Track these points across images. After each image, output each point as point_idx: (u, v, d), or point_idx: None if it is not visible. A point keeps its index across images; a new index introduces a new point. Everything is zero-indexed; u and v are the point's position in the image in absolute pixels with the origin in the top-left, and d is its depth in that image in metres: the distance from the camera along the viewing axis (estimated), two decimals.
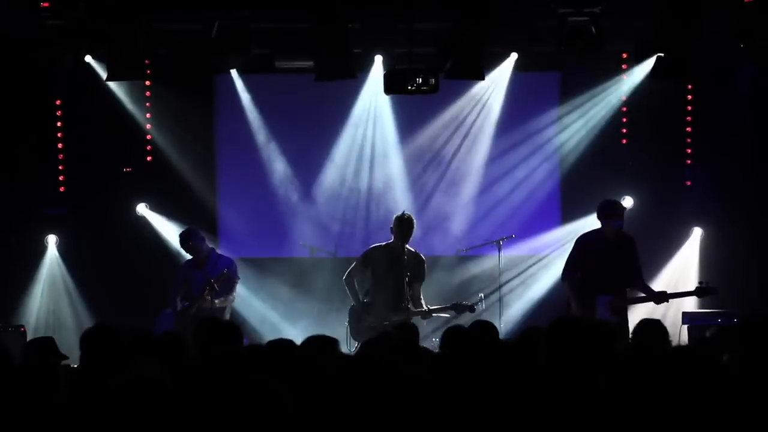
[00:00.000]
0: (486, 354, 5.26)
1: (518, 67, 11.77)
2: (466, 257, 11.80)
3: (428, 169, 12.15)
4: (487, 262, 11.65)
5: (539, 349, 5.04)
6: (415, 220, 9.82)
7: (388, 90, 10.93)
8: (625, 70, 11.86)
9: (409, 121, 12.04)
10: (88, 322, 10.95)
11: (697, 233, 12.05)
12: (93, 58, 11.35)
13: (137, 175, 12.07)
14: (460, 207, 12.10)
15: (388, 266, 9.67)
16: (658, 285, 10.71)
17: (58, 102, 11.97)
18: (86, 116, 11.86)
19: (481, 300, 10.61)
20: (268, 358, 5.25)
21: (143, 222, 11.89)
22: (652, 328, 5.91)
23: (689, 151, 12.21)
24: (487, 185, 12.14)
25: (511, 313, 11.53)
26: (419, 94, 10.71)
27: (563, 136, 12.12)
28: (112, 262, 11.76)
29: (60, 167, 12.03)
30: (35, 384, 4.74)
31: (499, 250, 11.22)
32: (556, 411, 4.61)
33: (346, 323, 9.85)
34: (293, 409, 4.45)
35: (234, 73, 11.82)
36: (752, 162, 12.01)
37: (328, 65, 10.72)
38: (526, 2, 10.92)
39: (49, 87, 11.90)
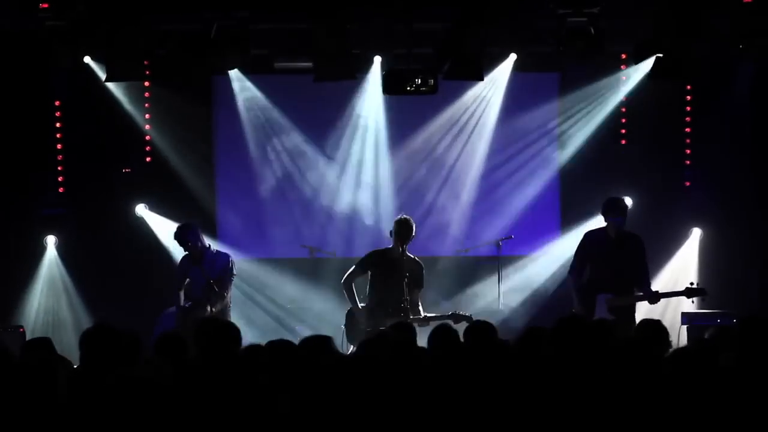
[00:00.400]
0: (483, 354, 5.27)
1: (517, 67, 11.77)
2: (465, 258, 11.79)
3: (427, 170, 12.14)
4: (487, 263, 11.64)
5: (543, 349, 5.05)
6: (414, 224, 9.75)
7: (387, 91, 10.93)
8: (624, 71, 11.87)
9: (408, 122, 12.04)
10: (87, 323, 10.94)
11: (696, 233, 12.05)
12: (92, 58, 11.35)
13: (136, 176, 12.07)
14: (460, 207, 12.10)
15: (386, 271, 9.62)
16: (657, 285, 10.70)
17: (57, 103, 11.97)
18: (85, 117, 11.86)
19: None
20: (267, 358, 5.25)
21: (142, 222, 11.89)
22: (652, 328, 5.91)
23: (689, 151, 12.21)
24: (487, 186, 12.14)
25: (510, 313, 11.52)
26: (418, 95, 10.71)
27: (562, 137, 12.13)
28: (111, 263, 11.76)
29: (59, 168, 12.02)
30: (34, 383, 4.74)
31: (499, 251, 11.22)
32: (558, 410, 4.61)
33: (343, 326, 9.82)
34: (292, 409, 4.45)
35: (233, 73, 11.82)
36: (751, 162, 12.02)
37: (327, 66, 10.72)
38: (525, 3, 10.91)
39: (49, 88, 11.90)
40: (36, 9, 10.17)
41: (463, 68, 10.86)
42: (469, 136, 12.07)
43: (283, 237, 12.05)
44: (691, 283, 9.85)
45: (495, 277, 11.37)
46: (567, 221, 11.94)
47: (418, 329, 9.47)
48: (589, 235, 9.73)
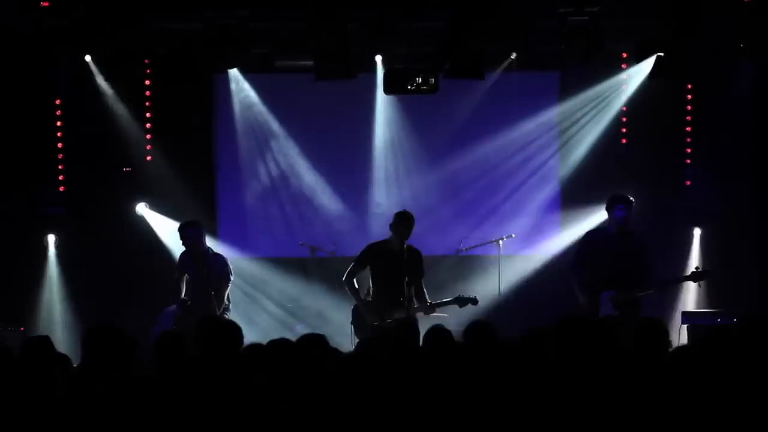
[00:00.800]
0: (484, 354, 5.27)
1: (518, 66, 11.77)
2: (466, 257, 11.79)
3: (428, 168, 12.14)
4: (487, 262, 11.64)
5: (545, 348, 5.04)
6: (414, 217, 9.78)
7: (387, 90, 10.92)
8: (625, 70, 11.87)
9: (408, 121, 12.04)
10: (86, 322, 10.94)
11: (697, 233, 12.05)
12: (93, 57, 11.35)
13: (137, 175, 12.07)
14: (460, 206, 12.10)
15: (386, 263, 9.62)
16: None
17: (58, 102, 11.97)
18: (86, 116, 11.85)
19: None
20: (268, 357, 5.25)
21: (143, 222, 11.89)
22: (652, 327, 5.90)
23: (689, 150, 12.21)
24: (487, 185, 12.14)
25: (510, 312, 11.52)
26: (419, 94, 10.70)
27: (563, 136, 12.12)
28: (111, 262, 11.76)
29: (60, 167, 12.02)
30: (33, 382, 4.74)
31: (499, 250, 11.21)
32: (559, 410, 4.61)
33: (351, 323, 9.82)
34: (291, 408, 4.45)
35: (234, 72, 11.82)
36: (752, 162, 12.01)
37: (327, 65, 10.72)
38: (526, 2, 10.92)
39: (49, 87, 11.90)
40: (37, 8, 10.18)
41: (463, 67, 10.86)
42: (470, 135, 12.06)
43: (284, 236, 12.05)
44: (696, 268, 9.88)
45: (495, 277, 11.37)
46: (568, 220, 11.94)
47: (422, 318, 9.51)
48: (591, 234, 9.73)
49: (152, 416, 4.32)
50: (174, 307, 10.00)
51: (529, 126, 12.07)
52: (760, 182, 11.95)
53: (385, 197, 12.08)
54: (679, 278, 10.02)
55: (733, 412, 4.59)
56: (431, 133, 12.08)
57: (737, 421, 4.57)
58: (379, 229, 11.07)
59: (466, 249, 11.64)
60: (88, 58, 11.35)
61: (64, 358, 5.95)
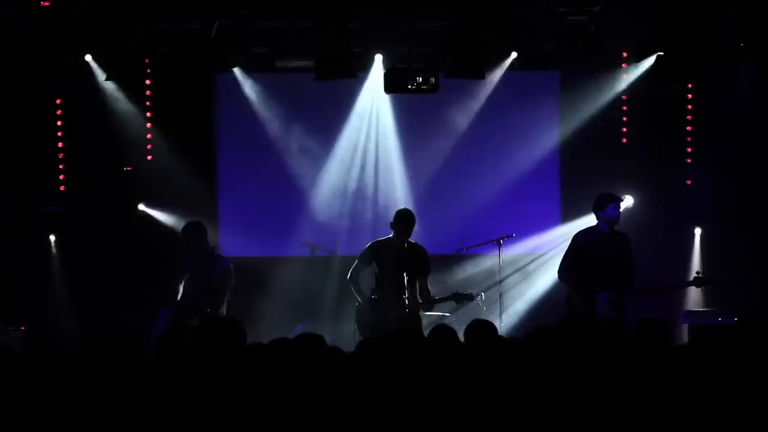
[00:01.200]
0: (484, 354, 5.27)
1: (518, 65, 11.77)
2: (466, 256, 11.77)
3: (428, 168, 12.13)
4: (488, 261, 11.64)
5: (546, 348, 5.05)
6: (415, 215, 9.79)
7: (388, 89, 10.92)
8: (625, 69, 11.86)
9: (409, 120, 12.04)
10: (86, 322, 10.95)
11: (697, 233, 12.05)
12: (93, 57, 11.35)
13: (137, 175, 12.07)
14: (461, 205, 12.09)
15: (388, 261, 9.64)
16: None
17: (58, 101, 11.97)
18: (86, 116, 11.85)
19: (481, 299, 10.62)
20: (269, 357, 5.25)
21: (143, 222, 11.89)
22: (654, 327, 5.91)
23: (689, 150, 12.21)
24: (488, 184, 12.13)
25: (511, 311, 11.53)
26: (419, 93, 10.70)
27: (563, 135, 12.12)
28: (111, 262, 11.75)
29: (60, 167, 12.02)
30: (34, 382, 4.75)
31: (500, 249, 11.22)
32: (559, 409, 4.62)
33: (354, 322, 9.81)
34: (292, 407, 4.45)
35: (234, 72, 11.81)
36: (752, 162, 12.01)
37: (328, 64, 10.72)
38: (527, 1, 10.92)
39: (49, 86, 11.90)
40: (37, 8, 10.18)
41: (464, 66, 10.86)
42: (470, 134, 12.05)
43: (285, 235, 12.05)
44: (698, 273, 9.84)
45: (495, 276, 11.37)
46: (567, 219, 11.93)
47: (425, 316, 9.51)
48: (581, 236, 9.68)
49: (152, 416, 4.32)
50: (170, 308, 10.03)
51: (529, 125, 12.07)
52: (761, 182, 11.95)
53: (385, 197, 12.08)
54: (683, 283, 9.96)
55: (733, 411, 4.59)
56: (431, 133, 12.07)
57: (738, 420, 4.57)
58: (380, 228, 11.08)
59: (466, 248, 11.63)
60: (88, 58, 11.35)
61: (64, 358, 5.95)
